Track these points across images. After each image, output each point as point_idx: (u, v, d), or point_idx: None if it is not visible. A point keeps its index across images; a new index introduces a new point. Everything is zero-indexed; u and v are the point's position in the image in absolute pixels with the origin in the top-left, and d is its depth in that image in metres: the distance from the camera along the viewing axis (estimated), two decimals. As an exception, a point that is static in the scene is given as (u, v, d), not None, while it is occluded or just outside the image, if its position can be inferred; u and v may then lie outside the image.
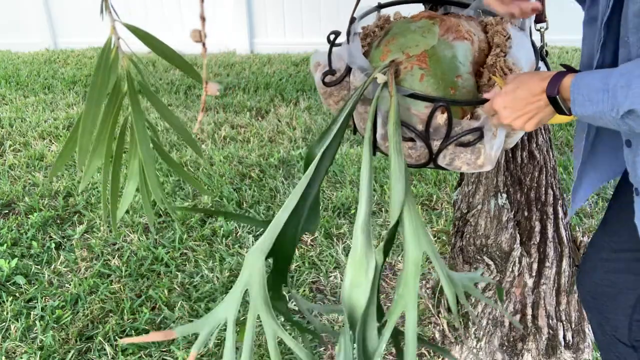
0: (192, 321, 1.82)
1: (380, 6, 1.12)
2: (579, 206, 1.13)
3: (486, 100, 0.93)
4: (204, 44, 0.61)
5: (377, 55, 1.00)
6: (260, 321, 0.77)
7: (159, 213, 2.50)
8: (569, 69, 0.86)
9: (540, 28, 1.09)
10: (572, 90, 0.81)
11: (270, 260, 0.81)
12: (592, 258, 1.16)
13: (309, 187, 0.82)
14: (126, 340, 0.91)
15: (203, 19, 0.59)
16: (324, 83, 1.02)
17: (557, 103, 0.83)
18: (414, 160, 0.99)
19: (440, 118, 0.93)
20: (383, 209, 2.53)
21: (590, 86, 0.79)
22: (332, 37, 1.04)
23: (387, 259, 2.18)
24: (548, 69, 1.06)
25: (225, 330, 1.74)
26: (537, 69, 1.03)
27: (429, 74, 0.96)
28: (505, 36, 1.07)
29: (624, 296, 1.10)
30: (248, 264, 0.76)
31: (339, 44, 1.06)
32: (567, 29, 3.62)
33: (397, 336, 0.82)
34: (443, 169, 1.01)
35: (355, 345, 0.74)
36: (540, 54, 1.08)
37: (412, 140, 0.97)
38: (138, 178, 0.88)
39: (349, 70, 0.99)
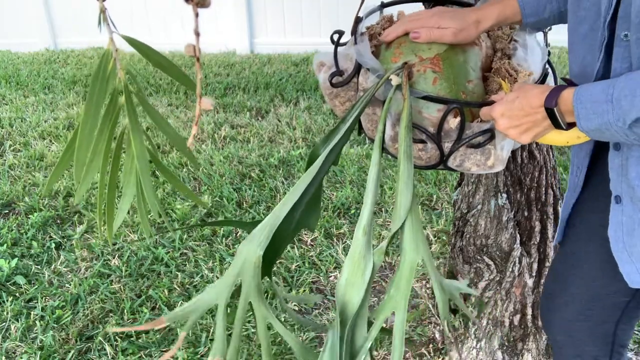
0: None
1: (384, 5, 1.11)
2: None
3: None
4: (198, 59, 0.60)
5: (388, 57, 1.00)
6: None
7: (159, 213, 2.49)
8: (570, 83, 0.85)
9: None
10: (575, 105, 0.79)
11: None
12: (560, 294, 1.06)
13: (311, 184, 0.83)
14: (116, 330, 0.92)
15: (197, 34, 0.58)
16: (332, 84, 1.00)
17: (554, 116, 0.82)
18: (423, 162, 0.99)
19: (453, 122, 0.93)
20: (383, 209, 2.53)
21: (593, 98, 0.77)
22: (336, 36, 1.03)
23: (387, 259, 2.18)
24: (552, 69, 1.06)
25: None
26: (543, 67, 1.03)
27: (442, 77, 0.96)
28: (507, 40, 1.07)
29: (601, 328, 1.02)
30: (242, 254, 0.77)
31: (343, 44, 1.05)
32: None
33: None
34: (453, 170, 1.01)
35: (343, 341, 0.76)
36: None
37: (422, 142, 0.96)
38: (134, 191, 0.88)
39: (357, 70, 0.98)
